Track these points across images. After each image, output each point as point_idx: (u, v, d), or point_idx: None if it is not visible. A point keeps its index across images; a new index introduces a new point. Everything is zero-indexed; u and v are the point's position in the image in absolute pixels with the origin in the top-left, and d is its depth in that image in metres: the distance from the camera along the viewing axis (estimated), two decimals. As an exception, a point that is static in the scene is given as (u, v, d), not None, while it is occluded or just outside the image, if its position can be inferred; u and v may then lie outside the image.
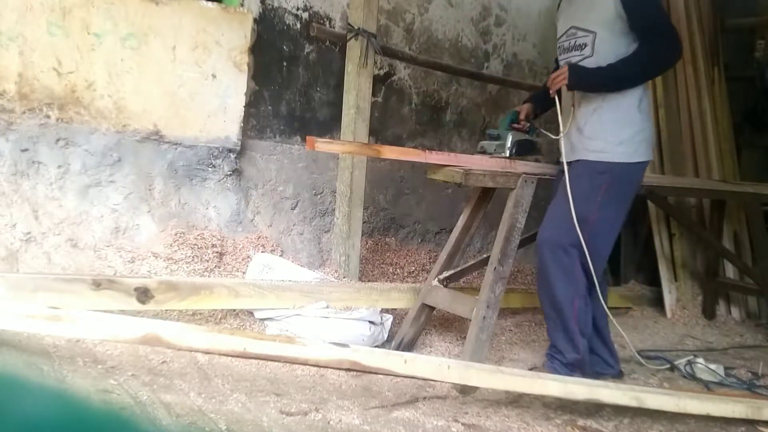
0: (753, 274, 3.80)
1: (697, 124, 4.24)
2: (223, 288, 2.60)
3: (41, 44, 2.70)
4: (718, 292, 3.96)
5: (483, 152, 2.73)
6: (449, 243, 2.83)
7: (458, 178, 2.49)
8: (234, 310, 2.76)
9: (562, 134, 2.49)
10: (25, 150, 2.72)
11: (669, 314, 3.86)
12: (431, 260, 3.76)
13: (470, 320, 2.53)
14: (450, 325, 3.18)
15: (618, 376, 2.68)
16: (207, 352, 2.12)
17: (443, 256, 2.82)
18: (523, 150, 2.66)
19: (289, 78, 3.45)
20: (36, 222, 2.71)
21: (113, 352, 2.24)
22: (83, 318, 1.90)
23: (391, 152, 2.61)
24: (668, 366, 2.91)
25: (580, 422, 2.22)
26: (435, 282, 2.78)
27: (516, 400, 2.36)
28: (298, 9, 3.42)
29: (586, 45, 2.39)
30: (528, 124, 2.70)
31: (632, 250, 4.36)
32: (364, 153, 2.87)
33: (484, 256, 2.87)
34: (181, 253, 2.91)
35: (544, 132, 2.68)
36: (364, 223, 3.34)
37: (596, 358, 2.61)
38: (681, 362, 2.90)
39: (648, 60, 2.31)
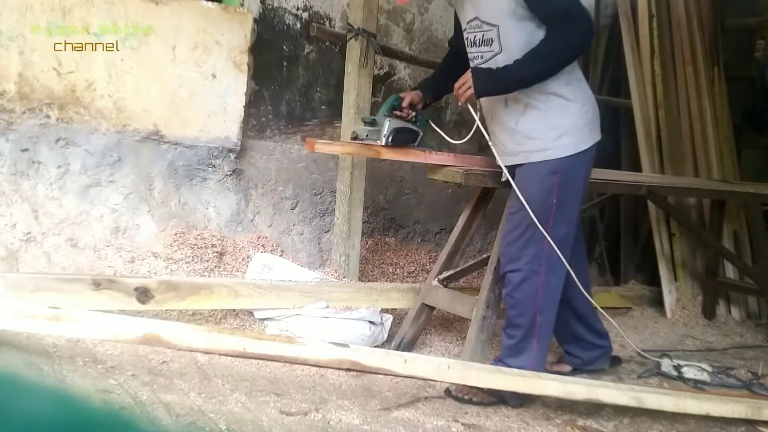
0: (753, 274, 3.80)
1: (696, 124, 4.24)
2: (223, 288, 2.60)
3: (41, 44, 2.70)
4: (718, 292, 3.96)
5: (355, 138, 2.51)
6: (449, 243, 2.83)
7: (458, 178, 2.49)
8: (234, 310, 2.76)
9: (489, 141, 2.35)
10: (25, 150, 2.72)
11: (669, 314, 3.85)
12: (431, 260, 3.76)
13: (470, 320, 2.53)
14: (450, 325, 3.18)
15: (610, 354, 2.68)
16: (207, 352, 2.12)
17: (443, 256, 2.82)
18: (401, 139, 2.46)
19: (289, 78, 3.45)
20: (36, 222, 2.71)
21: (113, 352, 2.24)
22: (83, 318, 1.90)
23: (390, 153, 2.61)
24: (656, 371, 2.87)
25: (580, 422, 2.23)
26: (435, 282, 2.78)
27: (516, 400, 2.36)
28: (298, 9, 3.42)
29: (492, 40, 2.20)
30: (413, 113, 2.49)
31: (632, 250, 4.37)
32: (363, 154, 2.86)
33: (484, 256, 2.87)
34: (181, 253, 2.91)
35: (435, 127, 2.50)
36: (364, 223, 3.34)
37: (584, 344, 2.59)
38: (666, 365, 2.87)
39: (557, 49, 2.10)
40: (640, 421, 2.28)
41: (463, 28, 2.35)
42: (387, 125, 2.43)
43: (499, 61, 2.20)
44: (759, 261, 3.80)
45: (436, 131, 2.55)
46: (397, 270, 3.66)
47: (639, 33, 4.25)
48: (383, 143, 2.44)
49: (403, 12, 3.85)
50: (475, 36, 2.27)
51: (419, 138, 2.54)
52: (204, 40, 3.02)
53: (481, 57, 2.27)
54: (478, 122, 2.34)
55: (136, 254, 2.85)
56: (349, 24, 3.13)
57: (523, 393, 2.27)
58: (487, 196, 2.77)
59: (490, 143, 2.37)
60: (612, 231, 4.59)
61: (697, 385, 2.74)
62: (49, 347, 2.16)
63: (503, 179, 2.37)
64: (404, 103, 2.49)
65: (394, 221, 3.91)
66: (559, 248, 2.28)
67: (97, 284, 2.36)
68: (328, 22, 3.52)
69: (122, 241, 2.87)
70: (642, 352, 2.97)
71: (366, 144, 2.50)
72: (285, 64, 3.42)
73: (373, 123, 2.49)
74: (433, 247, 3.98)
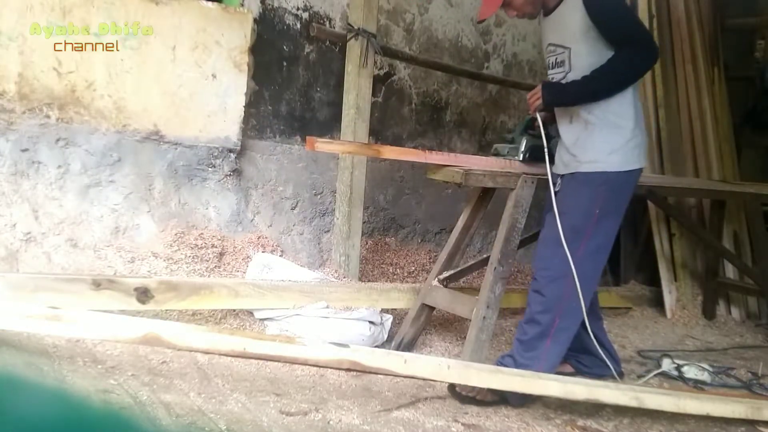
0: (753, 274, 3.80)
1: (697, 124, 4.24)
2: (223, 288, 2.60)
3: (41, 44, 2.70)
4: (718, 292, 3.96)
5: (497, 155, 2.73)
6: (449, 243, 2.83)
7: (458, 178, 2.49)
8: (234, 310, 2.76)
9: (545, 147, 2.46)
10: (25, 150, 2.72)
11: (669, 314, 3.86)
12: (431, 260, 3.76)
13: (470, 320, 2.53)
14: (450, 325, 3.18)
15: (620, 375, 2.66)
16: (207, 352, 2.12)
17: (443, 256, 2.82)
18: (536, 156, 2.63)
19: (289, 78, 3.45)
20: (36, 222, 2.71)
21: (113, 352, 2.24)
22: (83, 318, 1.90)
23: (391, 152, 2.61)
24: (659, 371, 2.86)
25: (580, 422, 2.23)
26: (435, 282, 2.78)
27: (516, 400, 2.36)
28: (298, 9, 3.42)
29: (564, 62, 2.38)
30: (545, 132, 2.64)
31: (632, 251, 4.36)
32: (364, 153, 2.87)
33: (484, 256, 2.87)
34: (181, 253, 2.91)
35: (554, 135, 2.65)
36: (364, 223, 3.34)
37: (594, 359, 2.60)
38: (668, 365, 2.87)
39: (621, 69, 2.27)
40: (641, 421, 2.28)
41: (544, 54, 2.53)
42: (524, 143, 2.66)
43: (569, 80, 2.36)
44: (759, 261, 3.80)
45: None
46: (397, 270, 3.66)
47: (639, 33, 4.25)
48: (520, 158, 2.65)
49: (403, 12, 3.85)
50: (549, 60, 2.46)
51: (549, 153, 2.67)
52: (204, 40, 3.02)
53: (554, 78, 2.44)
54: (542, 128, 2.48)
55: (136, 254, 2.84)
56: (349, 24, 3.13)
57: (526, 394, 2.27)
58: (487, 196, 2.77)
59: (545, 150, 2.47)
60: (612, 231, 4.58)
61: (697, 385, 2.74)
62: (49, 347, 2.16)
63: (556, 188, 2.44)
64: (537, 122, 2.62)
65: (394, 221, 3.91)
66: (593, 257, 2.36)
67: (97, 284, 2.36)
68: (328, 22, 3.52)
69: (122, 241, 2.87)
70: (641, 352, 2.97)
71: (365, 143, 2.51)
72: (285, 64, 3.42)
73: (511, 141, 2.73)
74: (433, 247, 3.98)
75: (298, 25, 3.43)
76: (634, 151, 2.37)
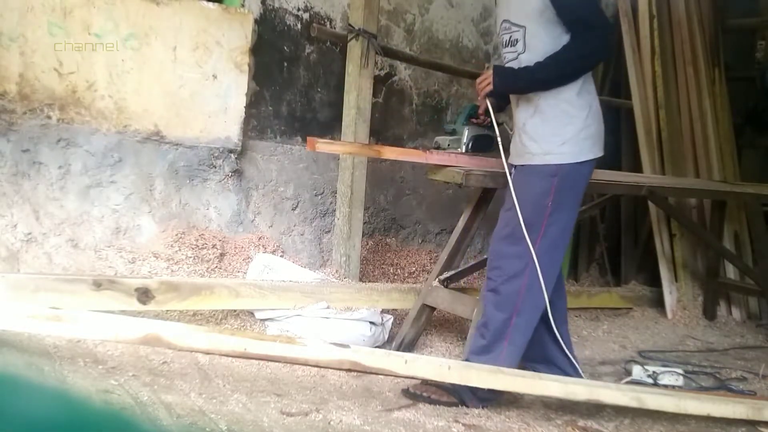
0: (754, 274, 3.80)
1: (697, 125, 4.24)
2: (223, 288, 2.60)
3: (42, 45, 2.70)
4: (719, 292, 3.96)
5: (437, 148, 2.59)
6: (450, 243, 2.83)
7: (459, 179, 2.49)
8: (235, 311, 2.76)
9: (498, 138, 2.39)
10: (26, 150, 2.72)
11: (670, 315, 3.85)
12: (432, 261, 3.76)
13: (471, 321, 2.52)
14: (450, 325, 3.18)
15: None
16: (208, 353, 2.12)
17: (444, 256, 2.82)
18: (480, 146, 2.53)
19: (290, 78, 3.45)
20: (37, 222, 2.71)
21: (114, 352, 2.24)
22: (84, 318, 1.90)
23: (391, 153, 2.61)
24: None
25: (581, 423, 2.22)
26: (435, 282, 2.78)
27: (516, 401, 2.36)
28: (298, 10, 3.42)
29: (518, 40, 2.27)
30: (488, 119, 2.52)
31: (633, 251, 4.37)
32: (364, 154, 2.87)
33: (485, 256, 2.87)
34: (182, 254, 2.91)
35: (508, 130, 2.52)
36: (364, 223, 3.34)
37: (555, 369, 2.44)
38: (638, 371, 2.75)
39: (575, 57, 2.18)
40: (641, 421, 2.28)
41: (497, 31, 2.43)
42: (466, 133, 2.53)
43: (522, 61, 2.26)
44: (759, 261, 3.80)
45: (508, 131, 2.56)
46: (398, 270, 3.66)
47: (640, 33, 4.25)
48: (463, 150, 2.53)
49: (404, 13, 3.85)
50: (503, 38, 2.36)
51: (494, 141, 2.54)
52: (205, 40, 3.02)
53: (507, 58, 2.34)
54: (493, 117, 2.41)
55: (137, 255, 2.85)
56: (349, 24, 3.13)
57: (486, 397, 2.25)
58: (488, 196, 2.77)
59: (498, 141, 2.40)
60: (613, 231, 4.59)
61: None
62: (49, 348, 2.16)
63: (509, 177, 2.36)
64: (481, 110, 2.54)
65: (394, 222, 3.91)
66: (549, 253, 2.27)
67: (97, 285, 2.36)
68: (328, 23, 3.52)
69: (123, 241, 2.87)
70: (642, 353, 2.96)
71: (366, 143, 2.51)
72: (286, 64, 3.42)
73: (453, 132, 2.58)
74: (433, 247, 3.98)
75: (299, 26, 3.43)
76: (587, 141, 2.27)
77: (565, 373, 2.44)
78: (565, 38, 2.19)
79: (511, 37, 2.30)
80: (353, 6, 3.13)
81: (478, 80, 2.35)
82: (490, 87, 2.29)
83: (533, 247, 2.24)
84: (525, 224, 2.24)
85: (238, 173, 3.21)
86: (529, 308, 2.28)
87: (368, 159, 3.19)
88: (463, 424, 2.11)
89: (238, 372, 2.28)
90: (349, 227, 3.16)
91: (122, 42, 2.84)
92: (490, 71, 2.30)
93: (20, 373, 1.94)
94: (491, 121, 2.50)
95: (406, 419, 2.09)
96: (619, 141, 4.61)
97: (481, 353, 2.30)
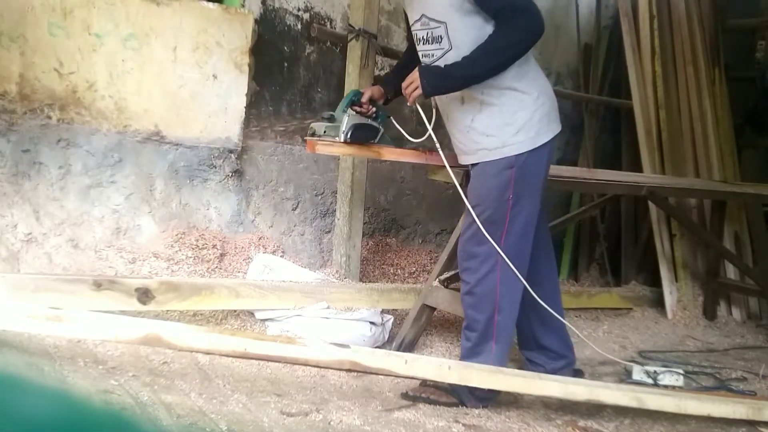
0: (754, 274, 3.80)
1: (697, 125, 4.24)
2: (224, 288, 2.60)
3: (42, 45, 2.70)
4: (719, 292, 3.96)
5: (312, 134, 2.40)
6: (450, 244, 2.82)
7: (459, 179, 2.49)
8: (235, 311, 2.76)
9: (437, 143, 2.32)
10: (27, 151, 2.72)
11: (670, 315, 3.85)
12: (432, 261, 3.76)
13: (471, 321, 2.52)
14: (451, 325, 3.18)
15: (573, 367, 2.51)
16: (208, 353, 2.12)
17: (444, 256, 2.82)
18: (360, 136, 2.38)
19: (290, 79, 3.45)
20: (37, 222, 2.71)
21: (114, 352, 2.24)
22: (84, 318, 1.90)
23: (391, 153, 2.61)
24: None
25: (581, 423, 2.22)
26: (436, 283, 2.78)
27: (516, 401, 2.36)
28: (299, 10, 3.42)
29: (441, 37, 2.15)
30: (373, 109, 2.42)
31: (633, 251, 4.36)
32: (364, 155, 2.87)
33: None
34: (182, 254, 2.91)
35: (395, 124, 2.43)
36: (364, 223, 3.34)
37: (549, 353, 2.44)
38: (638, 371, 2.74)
39: (505, 45, 2.06)
40: (641, 422, 2.28)
41: (411, 25, 2.32)
42: (346, 121, 2.35)
43: (450, 59, 2.15)
44: (760, 262, 3.80)
45: (397, 128, 2.47)
46: (398, 271, 3.66)
47: (640, 33, 4.25)
48: (341, 139, 2.35)
49: (404, 13, 3.85)
50: (423, 33, 2.22)
51: (380, 135, 2.46)
52: (205, 40, 3.02)
53: (432, 55, 2.22)
54: (428, 123, 2.31)
55: (137, 255, 2.85)
56: (350, 25, 3.13)
57: (485, 397, 2.25)
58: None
59: (437, 145, 2.33)
60: (613, 231, 4.59)
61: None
62: (50, 348, 2.16)
63: (454, 179, 2.31)
64: (364, 98, 2.42)
65: (395, 222, 3.91)
66: (518, 245, 2.22)
67: (98, 285, 2.36)
68: (329, 23, 3.52)
69: (123, 241, 2.87)
70: (642, 353, 2.96)
71: (366, 144, 2.50)
72: (286, 64, 3.42)
73: (331, 119, 2.39)
74: (434, 247, 3.98)
75: (299, 26, 3.43)
76: (543, 122, 2.19)
77: (561, 357, 2.45)
78: (489, 27, 2.09)
79: (431, 33, 2.18)
80: (353, 6, 3.13)
81: (405, 84, 2.22)
82: (419, 90, 2.16)
83: (501, 242, 2.19)
84: (489, 221, 2.19)
85: (238, 173, 3.21)
86: (509, 304, 2.25)
87: (368, 159, 3.19)
88: (464, 425, 2.11)
89: (239, 372, 2.28)
90: (350, 227, 3.16)
91: (122, 42, 2.84)
92: (416, 73, 2.17)
93: (20, 373, 1.94)
94: (376, 111, 2.39)
95: (406, 419, 2.09)
96: (619, 141, 4.61)
97: (470, 356, 2.28)
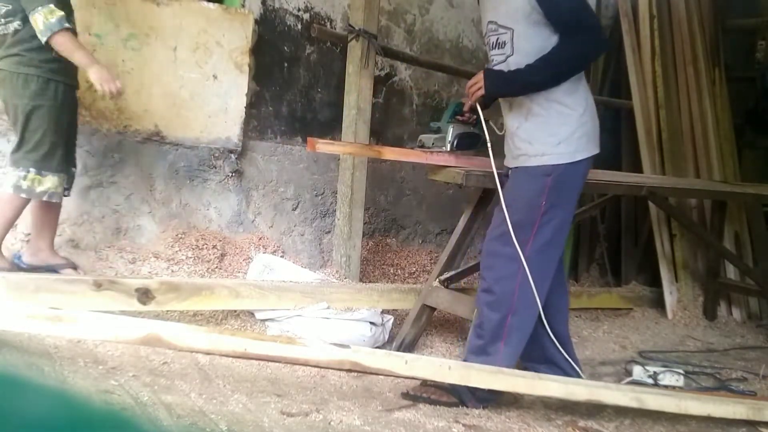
0: (754, 275, 3.80)
1: (697, 125, 4.24)
2: (224, 288, 2.60)
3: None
4: (719, 292, 3.96)
5: (422, 146, 2.55)
6: (450, 244, 2.83)
7: (459, 179, 2.49)
8: (235, 311, 2.76)
9: (488, 141, 2.35)
10: (27, 151, 2.72)
11: (670, 315, 3.85)
12: (432, 261, 3.76)
13: (471, 321, 2.52)
14: (451, 326, 3.18)
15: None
16: (208, 353, 2.12)
17: (444, 257, 2.82)
18: (466, 144, 2.49)
19: (290, 79, 3.45)
20: (37, 223, 2.70)
21: (114, 352, 2.24)
22: (84, 319, 1.90)
23: (391, 153, 2.61)
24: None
25: (581, 423, 2.22)
26: (436, 283, 2.78)
27: (517, 401, 2.36)
28: (299, 10, 3.43)
29: (506, 43, 2.23)
30: (474, 116, 2.49)
31: (633, 251, 4.36)
32: (364, 154, 2.87)
33: (485, 256, 2.87)
34: (182, 254, 2.91)
35: (493, 126, 2.49)
36: (365, 224, 3.34)
37: (556, 369, 2.41)
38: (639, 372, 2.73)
39: (566, 59, 2.15)
40: (642, 422, 2.28)
41: (483, 32, 2.40)
42: (451, 132, 2.49)
43: (511, 64, 2.23)
44: (760, 262, 3.80)
45: (492, 129, 2.51)
46: (398, 271, 3.66)
47: (640, 34, 4.26)
48: (447, 149, 2.49)
49: (404, 13, 3.86)
50: (490, 39, 2.32)
51: (481, 140, 2.51)
52: (205, 41, 3.02)
53: (496, 60, 2.30)
54: (484, 122, 2.38)
55: (137, 255, 2.85)
56: (350, 25, 3.13)
57: (485, 397, 2.24)
58: (488, 197, 2.76)
59: (488, 145, 2.37)
60: (613, 232, 4.59)
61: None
62: (50, 348, 2.16)
63: (496, 179, 2.34)
64: (466, 108, 2.49)
65: (395, 222, 3.91)
66: (543, 253, 2.25)
67: (98, 285, 2.36)
68: (329, 23, 3.52)
69: (123, 241, 2.87)
70: (642, 353, 2.95)
71: (366, 144, 2.50)
72: (286, 65, 3.42)
73: (438, 130, 2.54)
74: (434, 248, 3.98)
75: (299, 26, 3.43)
76: (582, 139, 2.24)
77: (567, 374, 2.42)
78: (554, 39, 2.16)
79: (498, 38, 2.26)
80: (353, 6, 3.13)
81: (469, 84, 2.32)
82: (482, 91, 2.26)
83: (526, 246, 2.22)
84: (518, 224, 2.22)
85: (238, 173, 3.21)
86: (525, 307, 2.26)
87: (368, 159, 3.19)
88: (464, 425, 2.10)
89: (239, 372, 2.28)
90: (350, 227, 3.15)
91: (122, 42, 2.84)
92: (481, 74, 2.27)
93: (20, 373, 1.94)
94: (477, 119, 2.46)
95: (406, 419, 2.09)
96: (619, 141, 4.61)
97: (479, 354, 2.29)
